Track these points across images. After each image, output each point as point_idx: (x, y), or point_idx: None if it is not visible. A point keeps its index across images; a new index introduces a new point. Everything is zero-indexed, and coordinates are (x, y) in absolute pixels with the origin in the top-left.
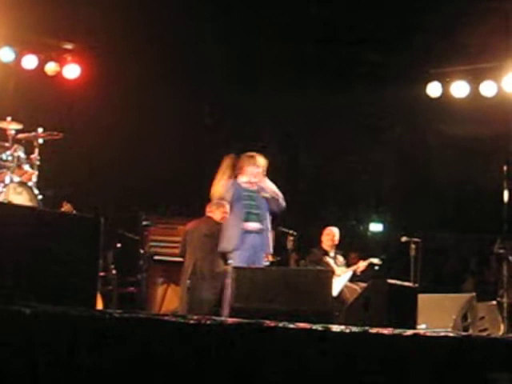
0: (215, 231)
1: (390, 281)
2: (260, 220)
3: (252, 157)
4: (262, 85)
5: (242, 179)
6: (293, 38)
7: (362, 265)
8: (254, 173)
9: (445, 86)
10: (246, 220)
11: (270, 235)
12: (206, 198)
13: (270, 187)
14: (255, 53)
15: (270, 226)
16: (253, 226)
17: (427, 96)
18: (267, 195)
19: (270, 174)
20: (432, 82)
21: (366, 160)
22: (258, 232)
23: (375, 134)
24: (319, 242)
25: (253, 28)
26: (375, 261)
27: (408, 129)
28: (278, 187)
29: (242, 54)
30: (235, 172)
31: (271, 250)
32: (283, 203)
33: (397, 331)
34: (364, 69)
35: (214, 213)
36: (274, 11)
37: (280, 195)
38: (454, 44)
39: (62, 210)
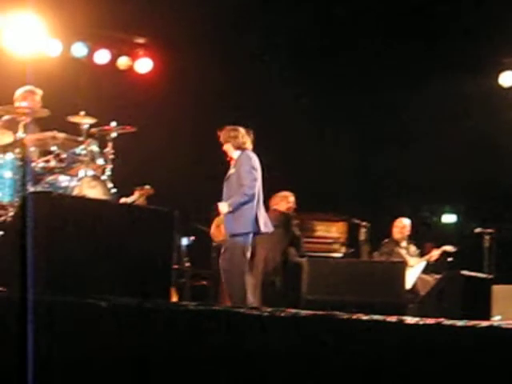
0: (283, 222)
1: (464, 272)
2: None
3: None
4: (339, 82)
5: None
6: (364, 32)
7: (435, 253)
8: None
9: None
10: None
11: (234, 215)
12: (270, 192)
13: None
14: (333, 49)
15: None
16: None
17: (500, 86)
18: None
19: (342, 167)
20: (505, 71)
21: (439, 151)
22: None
23: (448, 125)
24: (391, 233)
25: (328, 24)
26: (449, 248)
27: (481, 119)
28: (350, 179)
29: (321, 50)
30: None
31: (227, 231)
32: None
33: (471, 323)
34: (436, 59)
35: (279, 204)
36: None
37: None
38: None
39: (142, 191)
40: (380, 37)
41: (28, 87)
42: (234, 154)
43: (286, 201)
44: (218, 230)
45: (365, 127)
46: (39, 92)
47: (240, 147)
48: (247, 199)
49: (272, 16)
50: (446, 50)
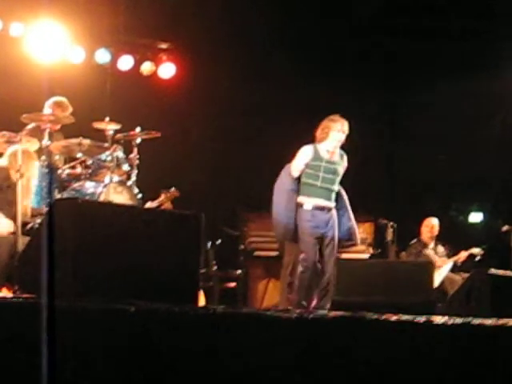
0: None
1: (493, 270)
2: (335, 198)
3: (339, 121)
4: (367, 80)
5: (323, 146)
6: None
7: (462, 255)
8: (341, 140)
9: None
10: (322, 196)
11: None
12: None
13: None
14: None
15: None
16: (326, 204)
17: None
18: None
19: (369, 164)
20: None
21: (467, 149)
22: (331, 209)
23: (476, 123)
24: (419, 233)
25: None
26: (476, 251)
27: (509, 116)
28: (376, 179)
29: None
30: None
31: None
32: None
33: (500, 322)
34: (464, 57)
35: None
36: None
37: None
38: None
39: (168, 194)
40: (406, 35)
41: (57, 99)
42: None
43: None
44: None
45: (392, 125)
46: (69, 107)
47: None
48: None
49: (298, 26)
50: (474, 49)
